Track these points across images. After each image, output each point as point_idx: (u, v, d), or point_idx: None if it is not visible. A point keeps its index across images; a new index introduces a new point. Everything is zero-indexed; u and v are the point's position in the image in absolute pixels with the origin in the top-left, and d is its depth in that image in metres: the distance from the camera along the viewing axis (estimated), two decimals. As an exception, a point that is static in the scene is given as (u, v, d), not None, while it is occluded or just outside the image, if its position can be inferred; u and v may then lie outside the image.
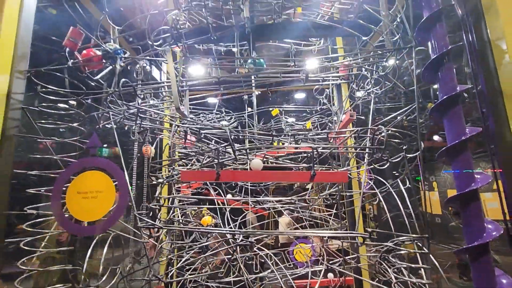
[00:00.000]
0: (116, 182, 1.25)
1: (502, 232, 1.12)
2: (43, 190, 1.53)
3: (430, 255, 1.35)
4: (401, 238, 1.34)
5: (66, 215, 1.23)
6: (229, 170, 1.37)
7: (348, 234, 1.70)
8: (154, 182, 2.02)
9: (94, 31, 1.73)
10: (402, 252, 1.36)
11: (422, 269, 1.31)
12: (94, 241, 1.53)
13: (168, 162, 1.98)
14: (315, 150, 1.26)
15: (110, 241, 1.66)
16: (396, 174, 1.92)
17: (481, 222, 1.15)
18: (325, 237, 2.72)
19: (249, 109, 3.08)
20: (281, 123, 3.18)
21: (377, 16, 1.65)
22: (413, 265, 1.27)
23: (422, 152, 1.51)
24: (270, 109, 3.31)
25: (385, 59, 1.60)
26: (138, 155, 2.54)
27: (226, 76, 1.73)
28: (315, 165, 1.87)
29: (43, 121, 1.48)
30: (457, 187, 1.21)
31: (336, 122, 2.81)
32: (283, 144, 2.36)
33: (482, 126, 1.27)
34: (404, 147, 1.49)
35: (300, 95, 4.64)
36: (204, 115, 3.00)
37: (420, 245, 1.41)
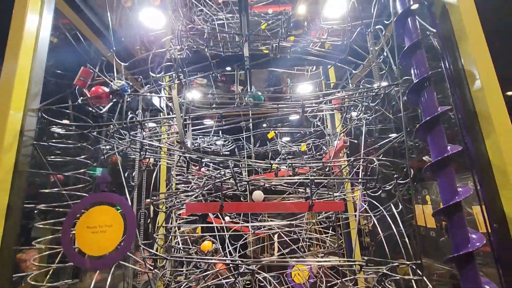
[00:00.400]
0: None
1: (484, 242, 1.21)
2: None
3: (424, 278, 1.43)
4: (395, 263, 1.41)
5: (75, 249, 1.28)
6: (232, 202, 1.44)
7: (345, 263, 1.76)
8: (156, 209, 2.06)
9: (101, 65, 1.83)
10: (397, 277, 1.43)
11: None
12: (95, 275, 1.55)
13: (170, 192, 2.04)
14: (312, 181, 1.35)
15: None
16: (390, 190, 2.01)
17: (466, 232, 1.24)
18: (322, 257, 2.76)
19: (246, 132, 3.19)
20: (277, 146, 3.29)
21: (364, 54, 1.79)
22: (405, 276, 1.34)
23: (414, 172, 1.61)
24: (265, 130, 3.42)
25: (373, 93, 1.72)
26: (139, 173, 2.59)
27: (226, 106, 1.83)
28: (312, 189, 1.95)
29: (52, 156, 1.54)
30: (442, 200, 1.31)
31: (330, 144, 2.93)
32: (280, 167, 2.45)
33: (463, 145, 1.39)
34: (395, 175, 1.59)
35: (294, 116, 4.78)
36: (202, 138, 3.09)
37: (414, 267, 1.48)
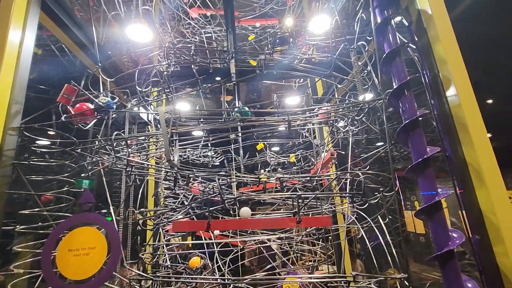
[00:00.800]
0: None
1: (464, 239, 1.26)
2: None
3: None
4: (381, 277, 1.42)
5: (55, 273, 1.23)
6: (220, 220, 1.42)
7: (334, 279, 1.76)
8: (142, 227, 2.02)
9: (86, 80, 1.81)
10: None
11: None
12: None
13: (156, 209, 2.00)
14: (299, 197, 1.36)
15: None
16: (376, 201, 2.05)
17: (446, 231, 1.29)
18: (313, 268, 2.75)
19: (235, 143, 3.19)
20: (266, 157, 3.30)
21: (348, 70, 1.84)
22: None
23: (401, 180, 1.64)
24: (254, 142, 3.43)
25: (358, 108, 1.76)
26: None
27: (213, 121, 1.84)
28: (301, 199, 1.95)
29: (33, 175, 1.50)
30: (423, 200, 1.35)
31: (318, 155, 2.96)
32: (268, 177, 2.46)
33: (441, 146, 1.43)
34: (381, 189, 1.61)
35: (283, 127, 4.82)
36: (191, 151, 3.07)
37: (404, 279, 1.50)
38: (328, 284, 2.21)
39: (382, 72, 1.65)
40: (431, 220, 1.32)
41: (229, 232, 2.61)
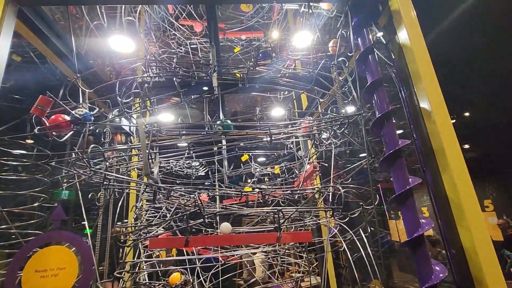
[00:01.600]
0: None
1: (433, 224, 1.36)
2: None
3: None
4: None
5: (21, 296, 1.15)
6: (199, 236, 1.39)
7: None
8: (120, 244, 1.94)
9: (64, 90, 1.75)
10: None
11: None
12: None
13: (134, 225, 1.94)
14: (280, 212, 1.35)
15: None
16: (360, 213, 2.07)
17: (417, 217, 1.38)
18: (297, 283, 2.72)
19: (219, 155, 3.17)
20: (251, 168, 3.29)
21: (329, 86, 1.88)
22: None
23: (383, 191, 1.67)
24: (239, 153, 3.41)
25: (339, 123, 1.80)
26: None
27: (196, 134, 1.82)
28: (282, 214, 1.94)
29: (2, 186, 1.42)
30: (406, 230, 1.40)
31: (302, 167, 2.98)
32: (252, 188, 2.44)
33: (423, 177, 1.48)
34: (361, 203, 1.63)
35: (268, 138, 4.85)
36: (174, 162, 3.02)
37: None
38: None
39: (365, 101, 1.72)
40: (403, 207, 1.40)
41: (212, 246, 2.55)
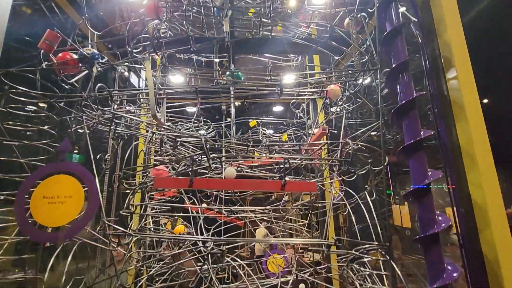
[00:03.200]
0: (86, 188, 1.23)
1: (450, 223, 1.25)
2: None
3: (392, 262, 1.44)
4: (365, 246, 1.42)
5: (30, 221, 1.19)
6: (203, 178, 1.39)
7: (314, 242, 1.76)
8: (127, 191, 1.98)
9: (71, 34, 1.72)
10: (365, 259, 1.44)
11: (385, 277, 1.39)
12: (58, 249, 1.47)
13: (142, 168, 1.96)
14: (287, 161, 1.33)
15: (75, 249, 1.59)
16: (366, 186, 2.04)
17: (434, 215, 1.27)
18: (298, 247, 2.76)
19: (227, 120, 3.13)
20: (258, 135, 3.25)
21: (348, 39, 1.78)
22: (374, 271, 1.35)
23: (388, 165, 1.63)
24: (249, 120, 3.37)
25: (354, 78, 1.72)
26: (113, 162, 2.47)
27: (204, 86, 1.78)
28: (289, 177, 1.93)
29: (10, 123, 1.43)
30: (413, 182, 1.33)
31: (310, 135, 2.93)
32: (259, 154, 2.42)
33: (435, 130, 1.40)
34: (370, 160, 1.59)
35: (278, 108, 4.77)
36: (182, 123, 3.00)
37: (384, 253, 1.50)
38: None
39: (382, 51, 1.60)
40: (419, 204, 1.30)
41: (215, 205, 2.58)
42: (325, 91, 1.90)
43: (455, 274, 1.20)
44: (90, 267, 2.06)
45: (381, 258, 1.34)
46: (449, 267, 1.24)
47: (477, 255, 1.18)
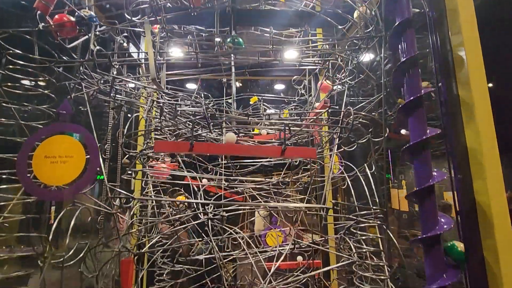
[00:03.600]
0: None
1: (452, 225, 1.21)
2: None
3: (388, 231, 1.47)
4: (362, 212, 1.45)
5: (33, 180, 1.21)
6: (203, 142, 1.39)
7: (312, 206, 1.79)
8: (127, 160, 1.99)
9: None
10: (362, 225, 1.46)
11: (380, 241, 1.42)
12: (63, 211, 1.50)
13: (143, 134, 1.97)
14: (287, 127, 1.32)
15: (78, 214, 1.63)
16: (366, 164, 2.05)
17: (435, 216, 1.24)
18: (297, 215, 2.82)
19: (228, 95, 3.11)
20: (259, 111, 3.24)
21: (354, 6, 1.73)
22: (370, 235, 1.38)
23: (387, 139, 1.62)
24: (250, 97, 3.35)
25: (357, 47, 1.68)
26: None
27: (204, 54, 1.74)
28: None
29: (9, 83, 1.42)
30: (417, 183, 1.29)
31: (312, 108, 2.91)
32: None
33: (442, 128, 1.36)
34: (370, 129, 1.59)
35: (279, 86, 4.71)
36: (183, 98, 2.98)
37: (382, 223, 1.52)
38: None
39: (392, 47, 1.51)
40: (422, 204, 1.26)
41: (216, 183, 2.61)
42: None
43: (446, 226, 1.20)
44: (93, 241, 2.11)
45: (377, 223, 1.36)
46: (450, 269, 1.21)
47: (479, 260, 1.15)
